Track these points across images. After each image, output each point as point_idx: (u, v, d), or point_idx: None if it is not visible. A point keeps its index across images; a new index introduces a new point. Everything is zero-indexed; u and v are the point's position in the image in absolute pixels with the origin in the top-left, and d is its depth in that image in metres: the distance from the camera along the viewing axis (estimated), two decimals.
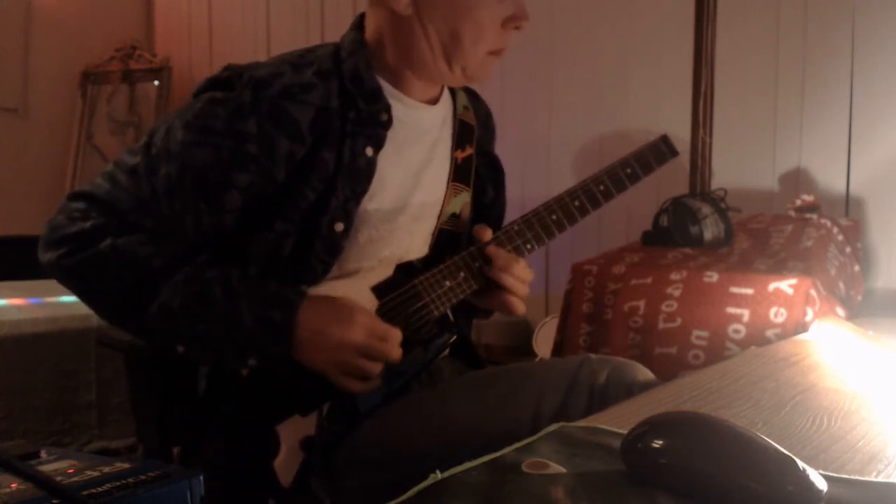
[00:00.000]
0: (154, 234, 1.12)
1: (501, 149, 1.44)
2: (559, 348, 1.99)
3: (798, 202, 2.52)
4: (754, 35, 2.98)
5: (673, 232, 2.17)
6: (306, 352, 1.12)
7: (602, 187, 1.25)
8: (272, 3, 4.56)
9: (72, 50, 4.80)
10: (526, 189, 3.23)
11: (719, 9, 2.72)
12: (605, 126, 3.32)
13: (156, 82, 4.81)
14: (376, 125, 1.17)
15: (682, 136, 2.88)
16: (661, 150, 1.29)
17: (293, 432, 1.16)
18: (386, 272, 1.22)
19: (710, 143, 2.75)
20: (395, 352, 1.14)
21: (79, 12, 4.85)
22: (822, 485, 0.66)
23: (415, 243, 1.25)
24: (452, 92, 1.32)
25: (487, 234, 1.23)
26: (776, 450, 0.68)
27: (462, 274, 1.22)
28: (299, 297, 1.12)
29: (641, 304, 1.83)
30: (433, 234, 1.28)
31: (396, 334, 1.15)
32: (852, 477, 0.73)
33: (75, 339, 2.45)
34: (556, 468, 0.72)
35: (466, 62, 1.17)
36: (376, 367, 1.14)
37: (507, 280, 1.22)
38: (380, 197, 1.19)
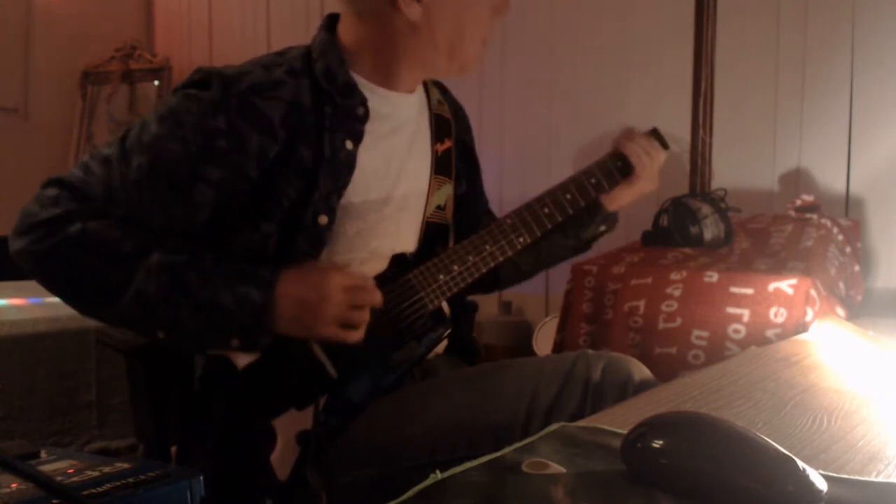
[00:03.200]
0: (122, 219, 1.13)
1: (503, 147, 1.45)
2: (559, 348, 1.99)
3: (798, 202, 2.52)
4: (754, 35, 2.98)
5: (673, 232, 2.16)
6: (288, 322, 1.13)
7: (569, 196, 1.30)
8: (272, 3, 4.55)
9: (72, 50, 4.79)
10: (526, 188, 3.21)
11: (719, 9, 2.72)
12: (606, 126, 3.30)
13: (156, 82, 4.80)
14: (354, 119, 1.21)
15: (682, 136, 2.88)
16: (611, 169, 1.33)
17: (289, 426, 1.17)
18: (378, 263, 1.24)
19: (710, 143, 2.75)
20: (376, 295, 1.17)
21: (79, 12, 4.84)
22: (822, 485, 0.66)
23: (403, 234, 1.27)
24: (425, 85, 1.35)
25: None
26: (776, 450, 0.68)
27: (456, 268, 1.23)
28: (275, 272, 1.14)
29: (641, 304, 1.83)
30: (421, 228, 1.29)
31: (370, 280, 1.18)
32: (852, 477, 0.73)
33: (75, 339, 2.45)
34: (556, 468, 0.72)
35: (465, 55, 1.24)
36: (364, 315, 1.15)
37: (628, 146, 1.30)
38: (364, 189, 1.22)
